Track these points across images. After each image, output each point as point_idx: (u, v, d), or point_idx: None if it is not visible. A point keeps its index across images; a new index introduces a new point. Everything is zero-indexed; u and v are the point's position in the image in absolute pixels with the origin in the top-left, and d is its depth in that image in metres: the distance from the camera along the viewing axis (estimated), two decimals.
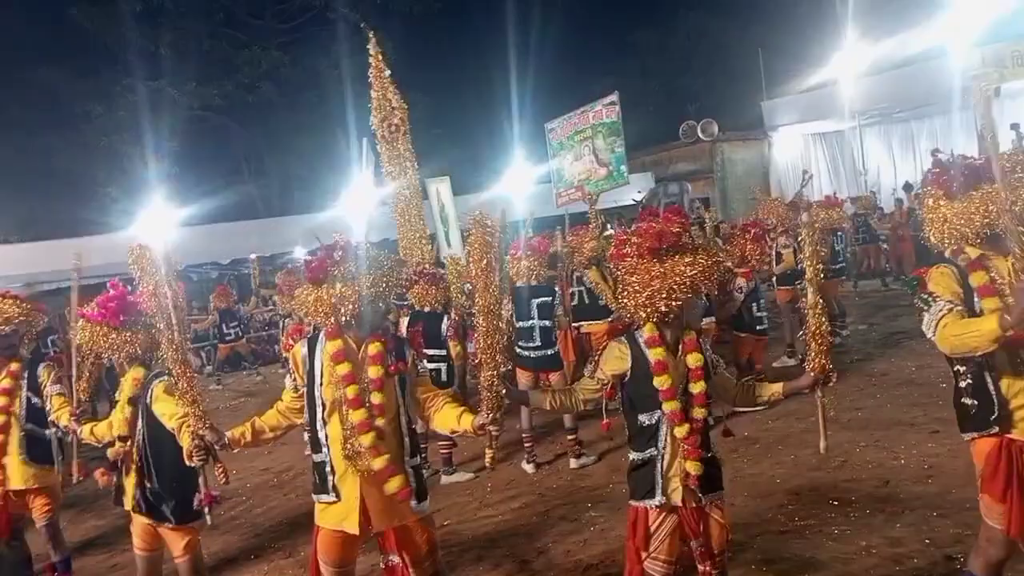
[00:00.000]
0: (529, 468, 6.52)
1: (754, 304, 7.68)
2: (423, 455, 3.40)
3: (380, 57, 12.59)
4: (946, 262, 3.10)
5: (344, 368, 3.20)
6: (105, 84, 24.79)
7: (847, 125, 19.70)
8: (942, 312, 2.95)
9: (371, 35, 12.42)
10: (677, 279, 2.99)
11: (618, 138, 14.41)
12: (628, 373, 3.12)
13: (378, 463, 3.15)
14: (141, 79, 24.56)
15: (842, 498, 4.99)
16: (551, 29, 26.45)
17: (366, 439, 3.15)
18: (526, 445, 6.62)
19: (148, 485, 3.76)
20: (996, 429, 3.01)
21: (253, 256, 14.80)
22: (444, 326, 6.44)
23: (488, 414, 3.07)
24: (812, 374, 3.09)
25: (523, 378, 6.56)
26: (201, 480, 3.40)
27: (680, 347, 3.12)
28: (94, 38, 25.03)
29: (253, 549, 5.56)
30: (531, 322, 6.50)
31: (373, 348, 3.25)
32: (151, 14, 25.37)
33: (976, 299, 2.98)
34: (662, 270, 3.01)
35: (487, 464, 3.33)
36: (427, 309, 6.53)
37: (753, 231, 7.86)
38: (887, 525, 4.52)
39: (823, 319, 3.10)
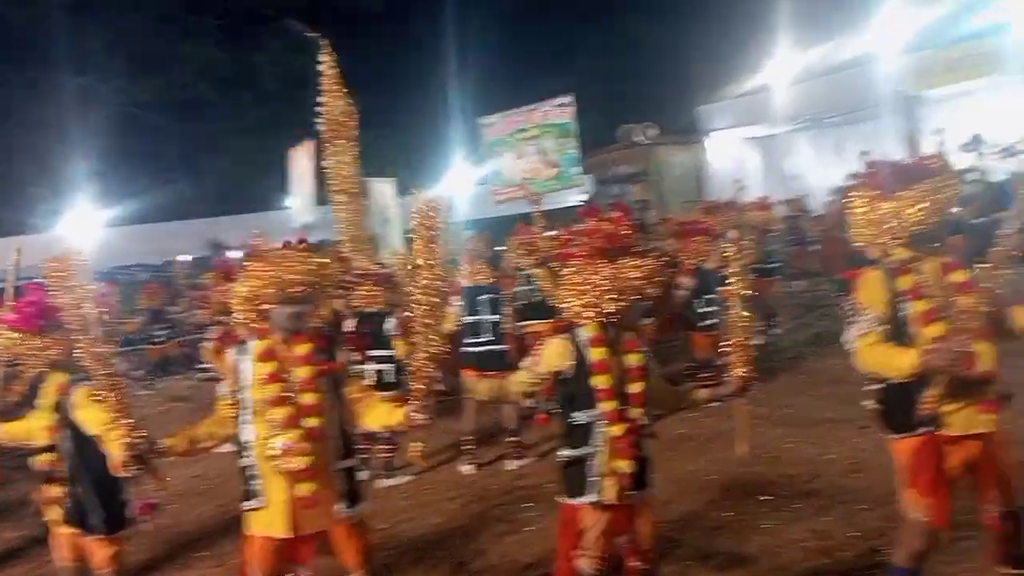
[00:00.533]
0: (468, 469, 6.49)
1: (701, 300, 7.65)
2: (363, 457, 3.34)
3: (332, 64, 12.48)
4: (875, 265, 3.18)
5: (267, 367, 3.16)
6: (31, 79, 23.91)
7: (780, 130, 20.22)
8: (867, 329, 3.07)
9: (323, 43, 12.25)
10: (625, 281, 3.00)
11: (572, 140, 14.40)
12: (567, 371, 3.12)
13: (301, 463, 3.10)
14: (70, 74, 23.77)
15: (773, 493, 5.10)
16: (492, 31, 26.54)
17: (290, 437, 3.10)
18: (466, 447, 6.60)
19: (76, 496, 3.63)
20: (923, 429, 3.09)
21: (180, 258, 14.41)
22: (390, 325, 6.37)
23: (418, 401, 3.02)
24: (734, 383, 3.17)
25: (469, 378, 6.55)
26: (137, 489, 3.30)
27: (620, 347, 3.14)
28: (20, 31, 24.13)
29: (180, 556, 5.41)
30: (478, 317, 6.54)
31: (301, 349, 3.20)
32: (80, 7, 24.59)
33: (904, 304, 3.07)
34: (611, 271, 3.01)
35: (417, 459, 3.28)
36: (372, 309, 6.47)
37: (690, 229, 7.97)
38: (816, 518, 4.64)
39: (746, 331, 3.17)
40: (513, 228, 8.48)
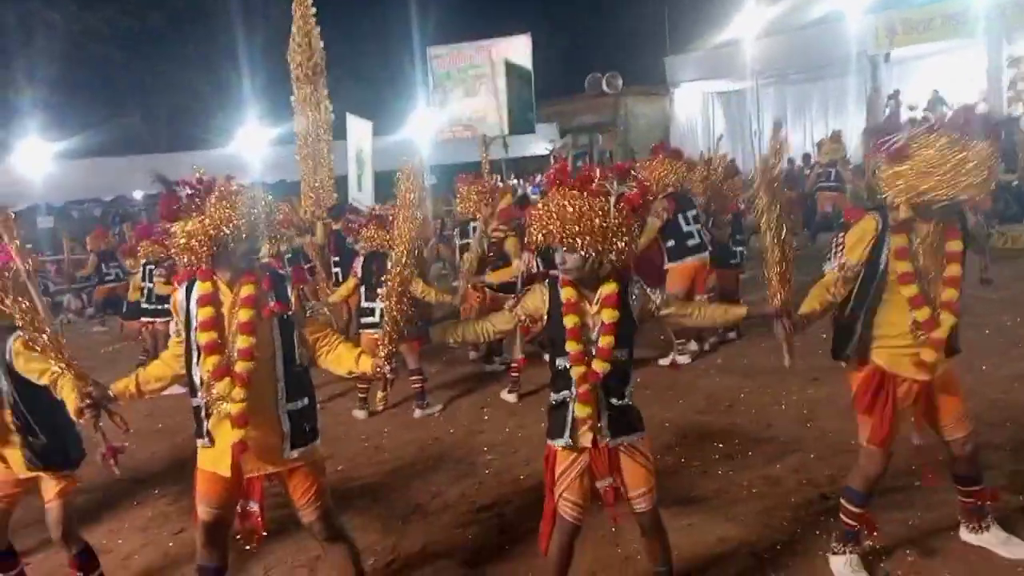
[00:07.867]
0: (511, 398, 6.64)
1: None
2: (310, 397, 3.28)
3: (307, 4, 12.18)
4: (878, 211, 3.30)
5: (206, 312, 3.10)
6: None
7: (745, 84, 20.21)
8: (831, 271, 3.28)
9: None
10: (589, 220, 2.93)
11: (526, 84, 13.98)
12: (546, 316, 3.15)
13: (232, 409, 3.06)
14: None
15: (726, 440, 5.20)
16: None
17: (220, 386, 3.07)
18: (512, 375, 6.73)
19: (35, 443, 3.55)
20: (861, 359, 3.34)
21: (135, 194, 14.13)
22: None
23: (384, 349, 3.05)
24: (774, 304, 3.15)
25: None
26: (100, 435, 3.24)
27: (598, 299, 3.09)
28: None
29: (135, 494, 5.37)
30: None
31: (245, 290, 3.12)
32: None
33: (887, 258, 3.22)
34: (576, 208, 2.94)
35: (378, 406, 3.27)
36: (382, 250, 6.38)
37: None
38: (768, 465, 4.74)
39: (785, 253, 3.11)
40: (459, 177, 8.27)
